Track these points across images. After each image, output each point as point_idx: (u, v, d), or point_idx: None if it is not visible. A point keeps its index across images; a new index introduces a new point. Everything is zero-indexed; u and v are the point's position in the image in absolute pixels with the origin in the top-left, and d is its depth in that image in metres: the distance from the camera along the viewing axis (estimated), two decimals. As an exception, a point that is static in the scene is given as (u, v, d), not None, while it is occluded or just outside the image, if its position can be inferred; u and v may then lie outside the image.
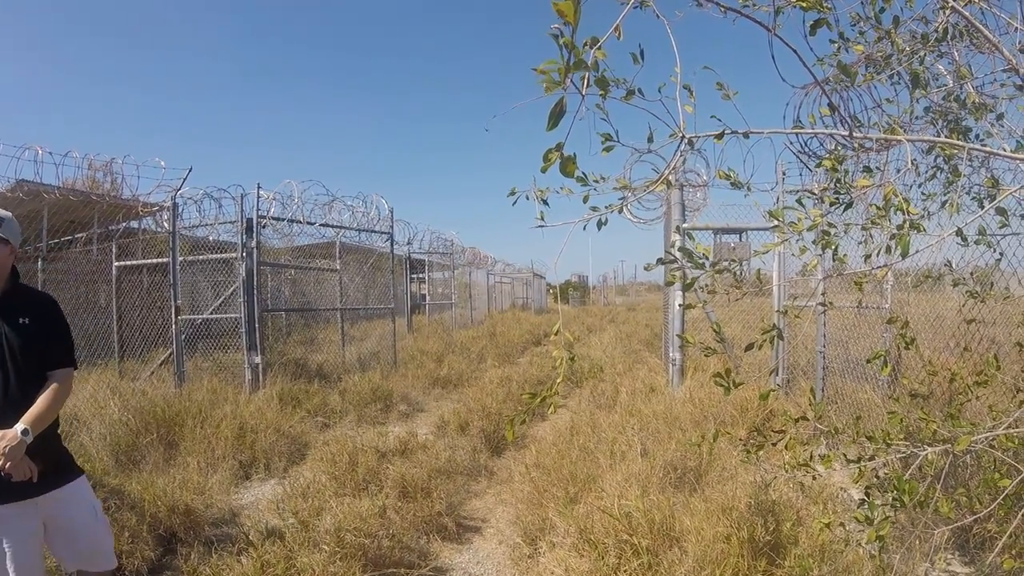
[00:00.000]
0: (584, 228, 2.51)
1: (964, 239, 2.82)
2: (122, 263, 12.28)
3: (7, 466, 3.01)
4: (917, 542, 4.12)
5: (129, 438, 7.06)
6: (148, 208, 12.09)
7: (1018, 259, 4.51)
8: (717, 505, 4.42)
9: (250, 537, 4.82)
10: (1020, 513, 2.99)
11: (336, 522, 4.83)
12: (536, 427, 8.66)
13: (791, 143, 4.09)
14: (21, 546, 3.18)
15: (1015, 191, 2.80)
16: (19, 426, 3.08)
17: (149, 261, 12.29)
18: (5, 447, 3.00)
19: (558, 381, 2.42)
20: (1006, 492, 2.91)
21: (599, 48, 1.89)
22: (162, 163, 10.64)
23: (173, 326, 10.36)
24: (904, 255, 2.24)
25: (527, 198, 2.63)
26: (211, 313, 11.69)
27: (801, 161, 4.14)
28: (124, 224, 12.85)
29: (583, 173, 2.47)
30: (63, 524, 3.37)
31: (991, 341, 5.29)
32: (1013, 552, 3.57)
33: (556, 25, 1.73)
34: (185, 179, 10.50)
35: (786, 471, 3.83)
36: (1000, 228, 3.16)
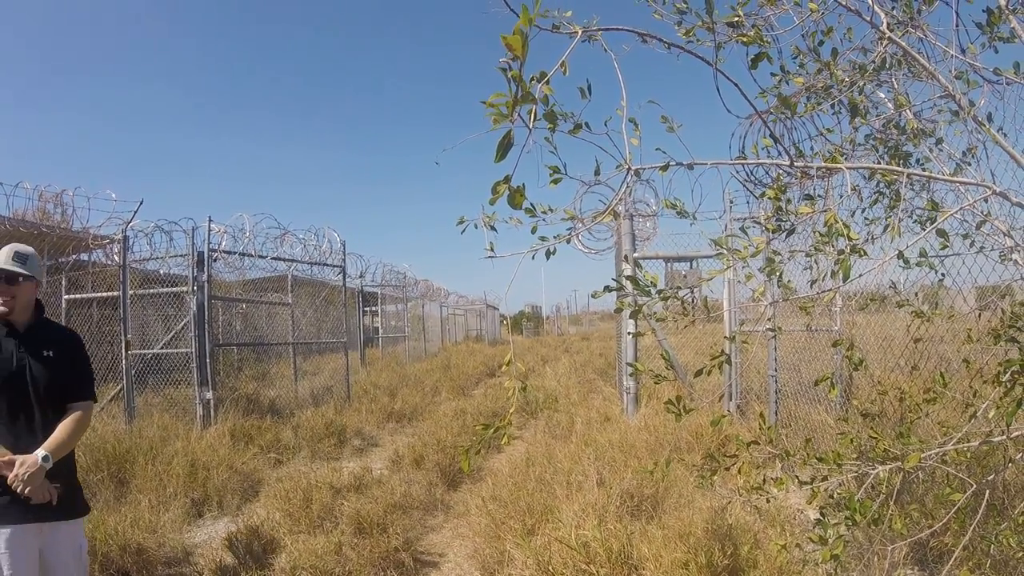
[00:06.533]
0: (533, 258, 2.52)
1: (906, 262, 2.87)
2: (72, 296, 12.08)
3: (27, 490, 3.10)
4: (875, 559, 4.17)
5: (79, 475, 6.86)
6: (98, 241, 11.93)
7: (962, 278, 4.62)
8: (675, 531, 4.43)
9: (204, 576, 4.74)
10: (973, 525, 3.04)
11: (291, 560, 4.77)
12: (492, 459, 8.60)
13: (737, 172, 4.16)
14: (20, 572, 3.17)
15: (955, 212, 2.87)
16: (39, 452, 3.19)
17: (99, 295, 12.10)
18: (25, 472, 3.10)
19: (511, 412, 2.41)
20: (958, 505, 2.96)
21: (546, 82, 1.91)
22: (113, 195, 10.58)
23: (123, 361, 10.19)
24: (846, 279, 2.28)
25: (476, 227, 2.63)
26: (162, 348, 11.48)
27: (748, 189, 4.22)
28: (74, 257, 12.65)
29: (531, 204, 2.48)
30: (50, 558, 3.35)
31: (939, 358, 5.39)
32: (970, 564, 3.62)
33: (504, 59, 1.75)
34: (136, 212, 10.41)
35: (741, 495, 3.86)
36: (942, 249, 3.23)
